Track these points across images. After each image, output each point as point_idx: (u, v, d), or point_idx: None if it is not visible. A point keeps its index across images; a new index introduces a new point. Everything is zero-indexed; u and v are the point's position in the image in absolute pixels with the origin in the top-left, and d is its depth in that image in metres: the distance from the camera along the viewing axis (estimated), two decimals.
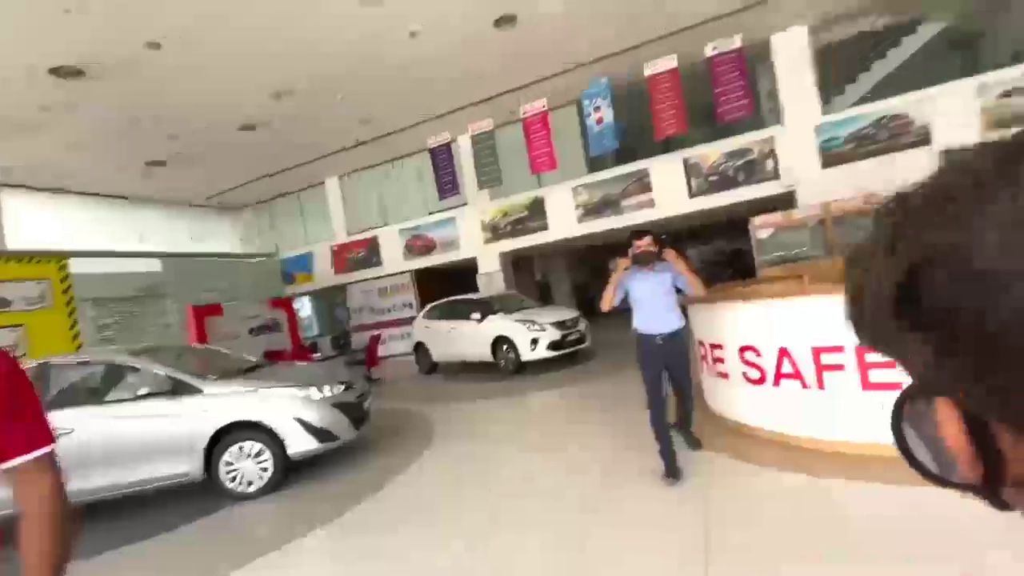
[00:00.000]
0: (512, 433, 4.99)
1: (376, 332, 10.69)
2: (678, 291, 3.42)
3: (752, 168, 9.19)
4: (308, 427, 4.25)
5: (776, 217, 8.44)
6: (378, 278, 12.76)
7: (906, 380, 0.33)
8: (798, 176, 8.85)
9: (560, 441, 4.45)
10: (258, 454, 4.18)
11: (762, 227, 8.48)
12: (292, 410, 4.26)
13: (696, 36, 8.00)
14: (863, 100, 9.40)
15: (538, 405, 6.06)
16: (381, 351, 10.17)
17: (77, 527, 1.01)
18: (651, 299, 3.32)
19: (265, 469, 4.17)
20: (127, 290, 9.04)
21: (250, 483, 4.16)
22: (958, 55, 10.27)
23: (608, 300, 3.36)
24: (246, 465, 4.16)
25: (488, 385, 7.50)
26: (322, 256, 13.47)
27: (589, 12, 7.19)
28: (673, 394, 3.49)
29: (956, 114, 8.06)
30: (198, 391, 4.18)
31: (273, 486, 4.18)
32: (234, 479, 4.14)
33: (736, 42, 7.87)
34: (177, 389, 4.14)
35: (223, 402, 4.18)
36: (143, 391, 4.16)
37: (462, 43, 7.52)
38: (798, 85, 8.94)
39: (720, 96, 8.05)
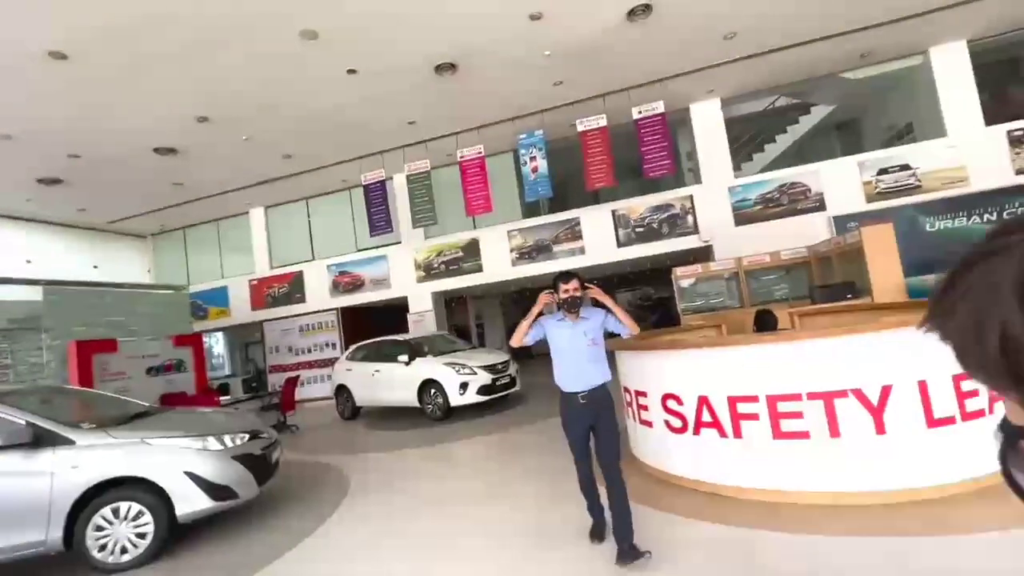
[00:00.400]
0: (436, 488, 4.71)
1: (294, 374, 9.97)
2: (609, 336, 3.04)
3: (674, 222, 9.83)
4: (202, 483, 3.76)
5: (696, 268, 9.01)
6: (300, 315, 12.06)
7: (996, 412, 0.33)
8: (715, 232, 9.56)
9: (487, 496, 4.24)
10: (136, 516, 3.61)
11: (683, 277, 9.00)
12: (184, 464, 3.76)
13: (624, 99, 8.61)
14: (769, 167, 10.52)
15: (465, 455, 5.81)
16: (299, 394, 9.45)
17: None
18: (572, 351, 2.89)
19: (143, 535, 3.60)
20: None
21: (123, 552, 3.56)
22: (843, 134, 11.87)
23: (519, 337, 2.98)
24: (120, 530, 3.57)
25: (413, 432, 7.14)
26: (240, 290, 12.59)
27: (526, 68, 7.54)
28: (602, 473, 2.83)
29: (843, 186, 9.16)
30: (69, 442, 3.58)
31: (152, 555, 3.61)
32: (103, 548, 3.53)
33: (659, 107, 8.54)
34: (40, 440, 3.53)
35: (99, 455, 3.61)
36: None
37: (402, 86, 7.58)
38: (713, 150, 9.81)
39: (646, 155, 8.62)
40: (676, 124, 9.95)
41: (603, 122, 8.76)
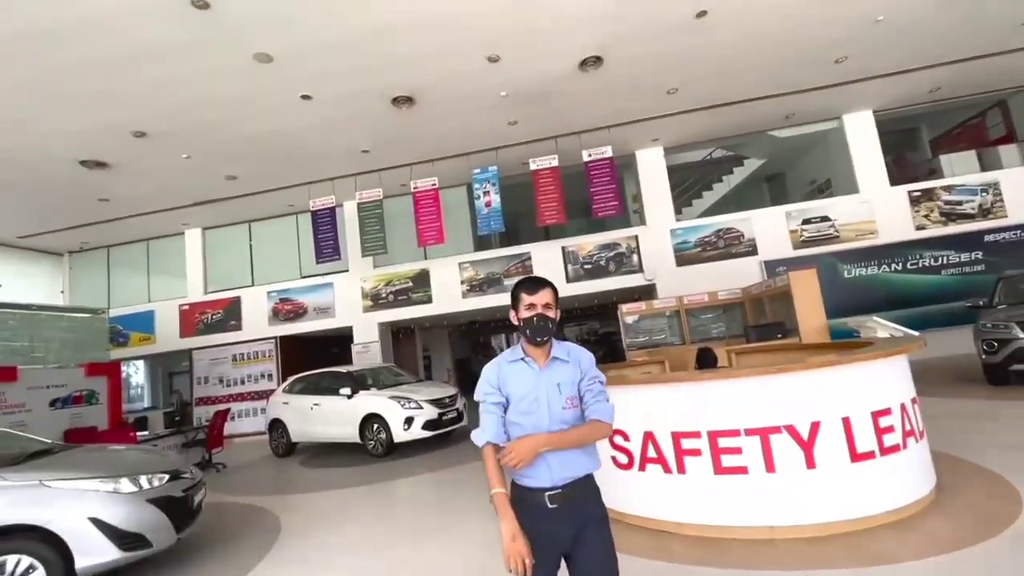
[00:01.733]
0: (376, 528, 4.46)
1: (225, 407, 9.29)
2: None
3: (621, 260, 10.22)
4: (109, 531, 3.36)
5: (640, 305, 9.34)
6: (235, 344, 11.36)
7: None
8: (657, 271, 10.01)
9: (430, 535, 4.07)
10: (27, 572, 3.17)
11: (628, 313, 9.30)
12: (89, 509, 3.36)
13: (575, 142, 9.01)
14: (707, 213, 11.25)
15: (408, 493, 5.57)
16: (228, 429, 8.78)
17: None
18: (536, 413, 1.65)
19: None
20: None
21: None
22: (772, 186, 12.95)
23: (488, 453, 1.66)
24: None
25: (353, 469, 6.79)
26: (168, 315, 11.75)
27: (483, 106, 7.75)
28: None
29: (772, 232, 9.91)
30: None
31: None
32: None
33: (608, 152, 8.99)
34: None
35: None
36: None
37: (357, 114, 7.57)
38: (657, 194, 10.39)
39: (595, 195, 8.99)
40: (623, 167, 10.49)
41: (555, 162, 9.09)
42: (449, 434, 7.90)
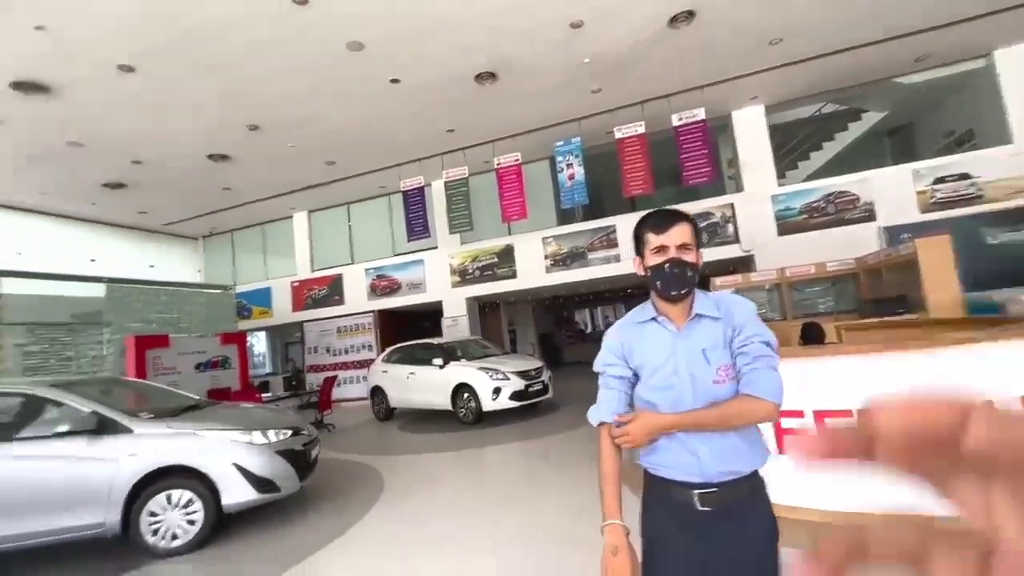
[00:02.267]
0: (467, 491, 4.74)
1: (332, 374, 10.24)
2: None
3: (714, 230, 9.62)
4: (248, 475, 3.91)
5: (736, 278, 8.76)
6: (338, 317, 12.40)
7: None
8: (756, 241, 9.29)
9: (515, 500, 4.25)
10: (187, 504, 3.79)
11: (723, 287, 8.76)
12: (232, 456, 3.93)
13: (664, 105, 8.52)
14: (814, 176, 10.16)
15: (497, 460, 5.83)
16: (336, 394, 9.71)
17: None
18: (677, 388, 1.29)
19: (193, 522, 3.78)
20: (62, 315, 8.40)
21: (174, 537, 3.74)
22: (896, 141, 11.34)
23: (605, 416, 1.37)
24: (172, 517, 3.75)
25: (446, 436, 7.21)
26: (282, 291, 13.06)
27: (566, 76, 7.57)
28: None
29: (895, 195, 8.75)
30: (127, 431, 3.80)
31: (199, 542, 3.78)
32: (156, 533, 3.72)
33: (700, 114, 8.40)
34: (102, 427, 3.77)
35: (155, 444, 3.81)
36: (63, 428, 3.76)
37: (443, 95, 7.74)
38: (756, 158, 9.56)
39: (685, 162, 8.49)
40: (718, 130, 9.76)
41: (641, 129, 8.68)
42: (535, 406, 8.09)
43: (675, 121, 8.51)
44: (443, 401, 8.00)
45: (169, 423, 4.00)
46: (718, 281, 8.81)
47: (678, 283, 1.28)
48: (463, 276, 11.39)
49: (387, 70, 6.94)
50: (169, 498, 3.77)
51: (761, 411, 1.19)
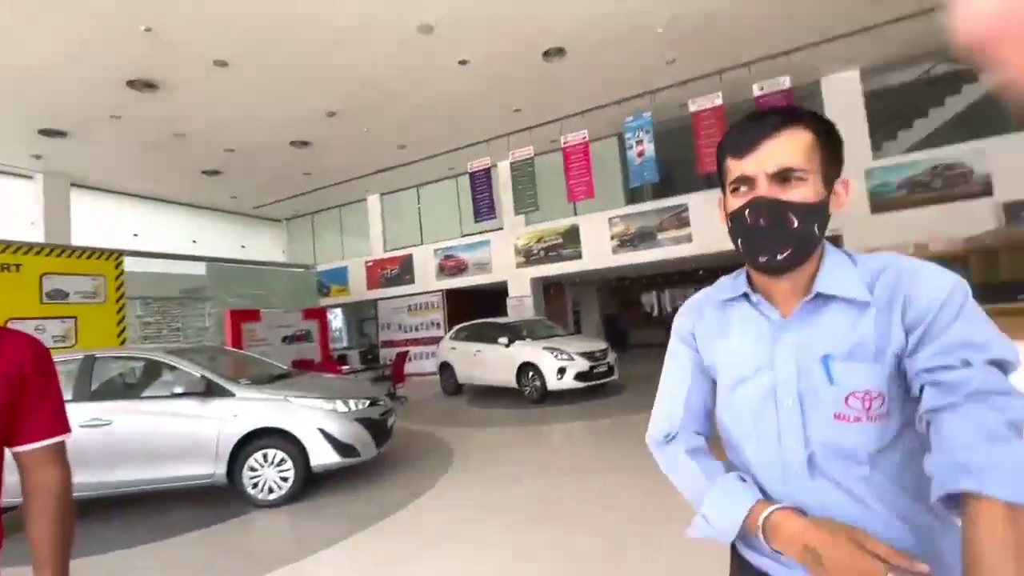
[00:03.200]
0: (533, 466, 4.86)
1: (403, 349, 10.76)
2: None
3: None
4: (332, 440, 4.25)
5: None
6: (409, 295, 12.93)
7: None
8: (844, 219, 8.56)
9: (580, 478, 4.30)
10: (280, 463, 4.19)
11: None
12: (318, 422, 4.28)
13: (744, 74, 7.97)
14: (918, 146, 9.12)
15: (561, 438, 5.91)
16: (407, 369, 10.21)
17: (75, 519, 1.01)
18: (780, 418, 0.79)
19: (286, 479, 4.18)
20: (172, 291, 9.43)
21: (271, 491, 4.16)
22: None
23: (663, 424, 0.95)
24: (268, 473, 4.17)
25: (511, 412, 7.39)
26: (357, 270, 13.79)
27: (638, 46, 7.27)
28: None
29: (1019, 166, 7.69)
30: (231, 394, 4.25)
31: (291, 496, 4.18)
32: (255, 486, 4.15)
33: (785, 83, 7.78)
34: (210, 390, 4.23)
35: (253, 407, 4.23)
36: (179, 390, 4.26)
37: (510, 73, 7.71)
38: (848, 128, 8.65)
39: None
40: (806, 98, 9.00)
41: (718, 101, 8.18)
42: (601, 387, 8.07)
43: (756, 91, 7.94)
44: (509, 379, 8.18)
45: (263, 389, 4.41)
46: None
47: (769, 241, 0.76)
48: (528, 257, 11.45)
49: (456, 52, 7.01)
50: (265, 456, 4.19)
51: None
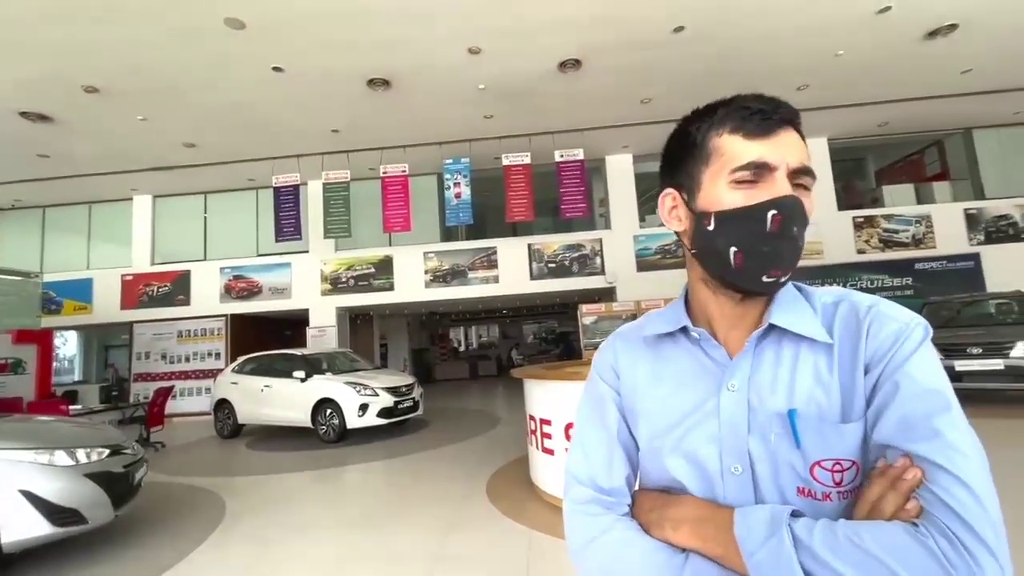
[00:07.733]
0: (325, 512, 4.43)
1: (167, 384, 8.88)
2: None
3: (584, 261, 10.43)
4: (41, 504, 3.19)
5: (600, 307, 9.60)
6: (182, 319, 10.86)
7: None
8: (618, 274, 10.28)
9: (382, 522, 4.08)
10: None
11: (588, 314, 9.54)
12: (19, 481, 3.19)
13: (548, 141, 9.12)
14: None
15: (359, 480, 5.53)
16: (170, 407, 8.39)
17: None
18: (707, 487, 0.63)
19: None
20: None
21: None
22: None
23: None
24: None
25: (302, 454, 6.66)
26: (108, 285, 11.07)
27: (460, 97, 7.73)
28: None
29: None
30: None
31: None
32: None
33: (580, 154, 9.15)
34: None
35: None
36: None
37: (330, 93, 7.38)
38: (623, 200, 10.66)
39: (564, 196, 9.14)
40: (593, 171, 10.70)
41: (527, 159, 9.17)
42: (404, 423, 7.88)
43: (557, 157, 9.15)
44: (302, 417, 7.40)
45: None
46: (584, 308, 9.56)
47: (783, 256, 0.62)
48: (335, 284, 10.78)
49: (270, 56, 6.44)
50: None
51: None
